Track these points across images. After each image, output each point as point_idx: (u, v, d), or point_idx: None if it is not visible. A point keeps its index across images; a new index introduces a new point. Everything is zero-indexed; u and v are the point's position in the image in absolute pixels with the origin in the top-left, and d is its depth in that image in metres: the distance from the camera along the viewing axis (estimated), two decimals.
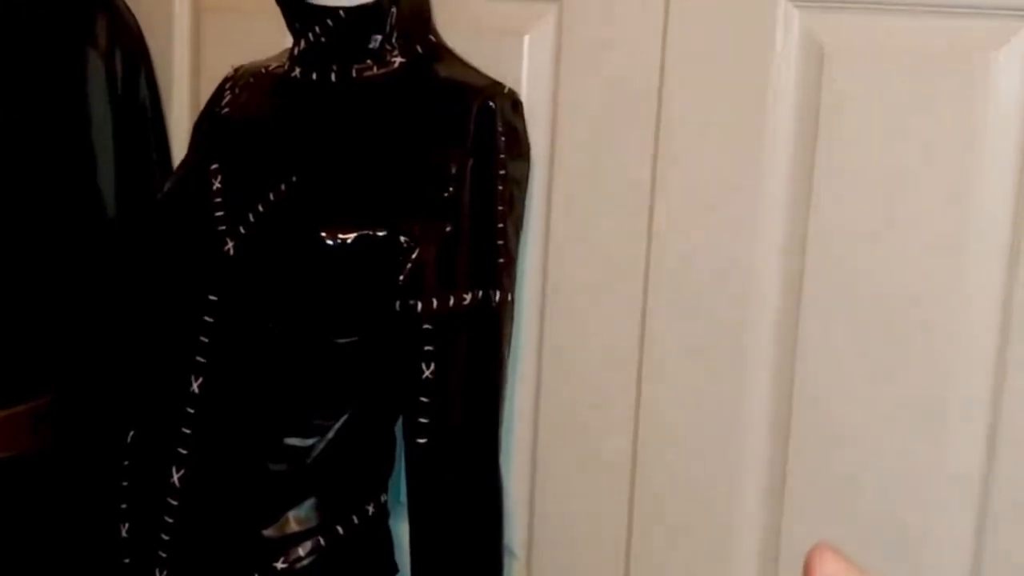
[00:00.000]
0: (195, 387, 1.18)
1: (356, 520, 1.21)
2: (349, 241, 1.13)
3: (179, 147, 1.55)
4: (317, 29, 1.20)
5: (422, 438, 1.15)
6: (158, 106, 1.49)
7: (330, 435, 1.18)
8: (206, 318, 1.18)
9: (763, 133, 1.09)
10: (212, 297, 1.17)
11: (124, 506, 1.25)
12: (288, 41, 1.36)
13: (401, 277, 1.13)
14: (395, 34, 1.20)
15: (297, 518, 1.19)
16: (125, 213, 1.43)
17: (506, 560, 1.23)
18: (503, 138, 1.18)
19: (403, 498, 1.27)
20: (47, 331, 1.36)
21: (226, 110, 1.29)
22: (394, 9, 1.19)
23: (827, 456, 1.09)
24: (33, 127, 1.30)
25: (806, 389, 1.10)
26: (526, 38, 1.25)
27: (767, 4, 1.07)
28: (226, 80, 1.34)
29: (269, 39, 1.41)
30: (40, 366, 1.36)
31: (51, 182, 1.34)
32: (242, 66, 1.35)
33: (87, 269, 1.39)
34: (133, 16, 1.46)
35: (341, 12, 1.18)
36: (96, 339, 1.38)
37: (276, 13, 1.30)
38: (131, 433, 1.26)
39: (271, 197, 1.17)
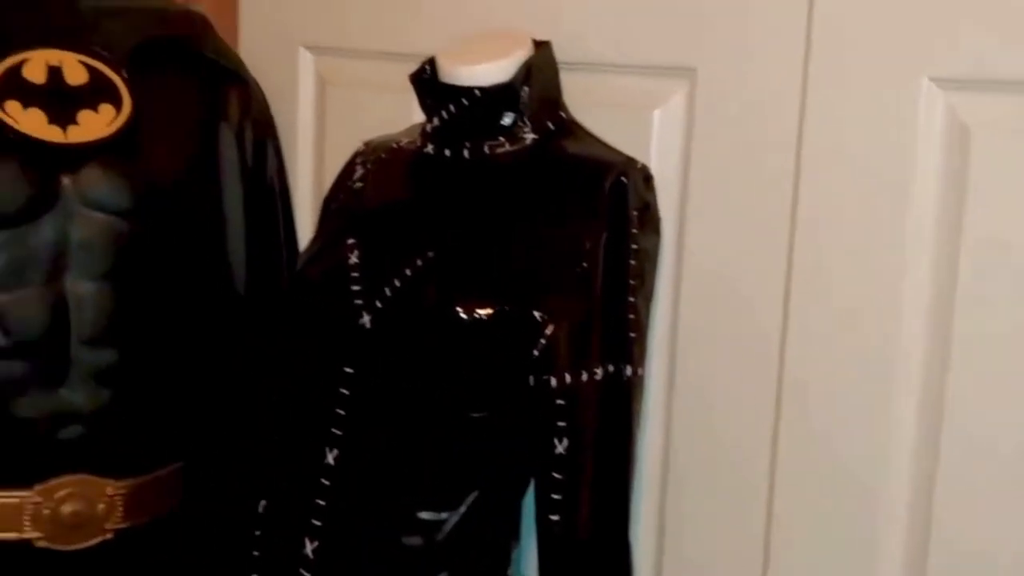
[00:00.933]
0: (330, 459, 1.19)
1: None
2: (484, 316, 1.14)
3: (302, 219, 1.58)
4: (451, 107, 1.22)
5: (555, 514, 1.15)
6: (284, 179, 1.52)
7: (462, 509, 1.18)
8: (342, 390, 1.19)
9: (906, 211, 1.09)
10: (348, 370, 1.19)
11: None
12: (413, 116, 1.39)
13: (535, 352, 1.13)
14: (527, 111, 1.22)
15: None
16: (254, 284, 1.46)
17: None
18: (635, 213, 1.19)
19: (524, 570, 1.27)
20: (180, 399, 1.38)
21: (359, 185, 1.32)
22: (526, 88, 1.21)
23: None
24: (172, 199, 1.33)
25: (951, 473, 1.08)
26: (656, 112, 1.26)
27: (909, 83, 1.07)
28: (357, 155, 1.37)
29: (393, 114, 1.44)
30: (172, 434, 1.38)
31: (186, 253, 1.37)
32: (372, 141, 1.37)
33: (218, 339, 1.42)
34: (261, 91, 1.50)
35: (476, 91, 1.20)
36: (228, 408, 1.40)
37: (399, 88, 1.33)
38: (263, 503, 1.28)
39: (407, 272, 1.18)
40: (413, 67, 1.29)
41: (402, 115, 1.44)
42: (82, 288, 1.27)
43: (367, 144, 1.37)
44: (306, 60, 1.59)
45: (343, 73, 1.55)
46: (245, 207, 1.44)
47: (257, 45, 1.60)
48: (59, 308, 1.27)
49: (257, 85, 1.49)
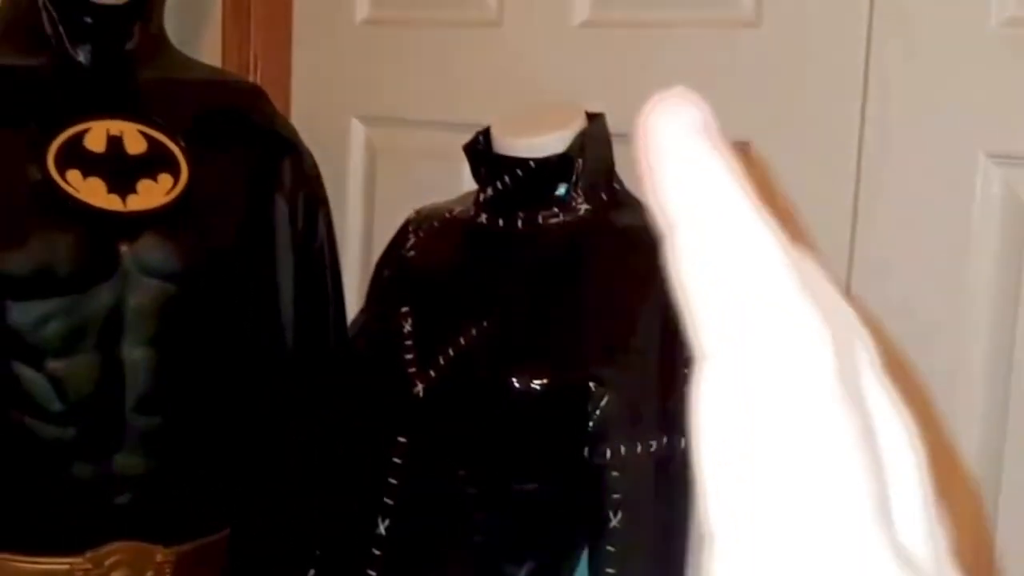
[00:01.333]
0: (381, 528, 1.19)
1: None
2: (539, 387, 1.14)
3: (350, 285, 1.59)
4: (506, 178, 1.23)
5: None
6: (334, 246, 1.53)
7: None
8: (394, 459, 1.19)
9: (964, 285, 1.08)
10: (401, 439, 1.19)
11: None
12: (462, 184, 1.41)
13: (590, 423, 1.13)
14: (581, 182, 1.23)
15: None
16: (302, 350, 1.46)
17: None
18: None
19: None
20: (229, 465, 1.38)
21: (412, 253, 1.33)
22: (581, 159, 1.22)
23: None
24: (225, 266, 1.34)
25: None
26: None
27: (966, 160, 1.07)
28: (408, 222, 1.38)
29: (442, 181, 1.46)
30: (221, 501, 1.38)
31: (237, 319, 1.38)
32: (423, 209, 1.38)
33: (266, 404, 1.42)
34: (313, 160, 1.52)
35: (531, 163, 1.21)
36: (278, 475, 1.40)
37: (449, 156, 1.35)
38: (311, 571, 1.27)
39: (462, 341, 1.19)
40: (463, 136, 1.30)
41: (451, 183, 1.45)
42: (136, 354, 1.28)
43: (418, 212, 1.38)
44: (357, 129, 1.61)
45: (393, 141, 1.57)
46: (295, 274, 1.45)
47: (309, 114, 1.62)
48: (114, 374, 1.28)
49: (310, 154, 1.51)
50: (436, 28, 1.49)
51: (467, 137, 1.29)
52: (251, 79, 1.60)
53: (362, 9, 1.57)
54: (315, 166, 1.52)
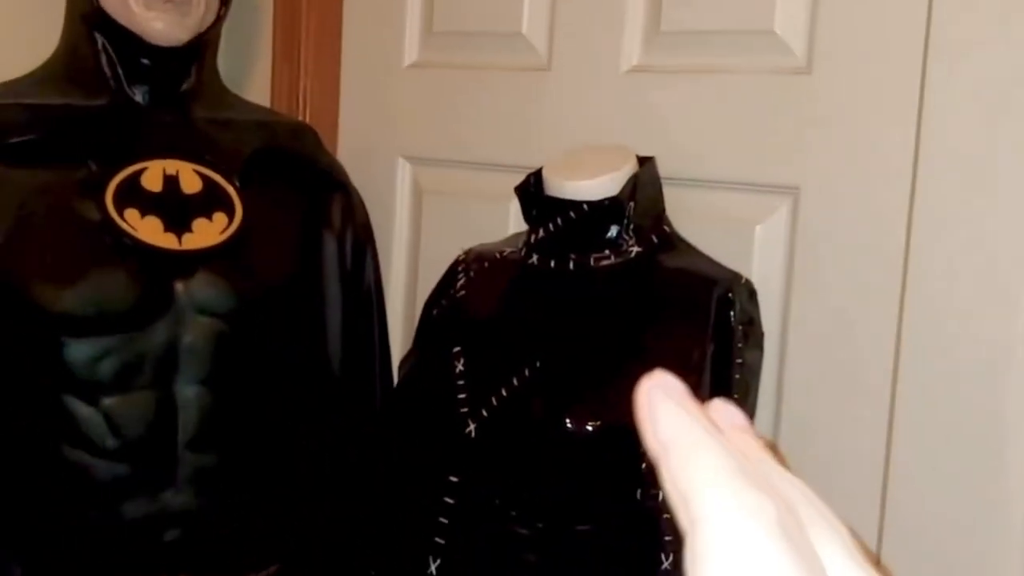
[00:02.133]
0: (432, 568, 1.20)
1: None
2: (592, 428, 1.14)
3: (394, 322, 1.61)
4: (558, 220, 1.24)
5: None
6: (380, 285, 1.55)
7: None
8: (446, 499, 1.20)
9: (1013, 326, 1.09)
10: (453, 478, 1.20)
11: None
12: (509, 224, 1.42)
13: (643, 465, 1.13)
14: (632, 225, 1.24)
15: None
16: (349, 386, 1.47)
17: None
18: (741, 328, 1.20)
19: None
20: (278, 500, 1.39)
21: (462, 293, 1.34)
22: (632, 202, 1.23)
23: None
24: (276, 303, 1.36)
25: None
26: (758, 228, 1.28)
27: (1014, 199, 1.08)
28: (458, 263, 1.39)
29: (488, 222, 1.47)
30: (270, 537, 1.39)
31: (286, 356, 1.39)
32: (472, 249, 1.40)
33: (313, 440, 1.43)
34: (361, 198, 1.53)
35: (584, 206, 1.23)
36: (328, 512, 1.41)
37: (496, 197, 1.36)
38: None
39: (514, 381, 1.20)
40: (509, 177, 1.32)
41: (497, 224, 1.47)
42: (189, 391, 1.30)
43: (468, 252, 1.39)
44: (404, 169, 1.63)
45: (440, 182, 1.59)
46: (343, 312, 1.47)
47: (356, 154, 1.64)
48: (167, 411, 1.29)
49: (358, 193, 1.53)
50: (484, 72, 1.50)
51: (514, 179, 1.30)
52: (302, 120, 1.62)
53: (410, 53, 1.59)
54: (363, 205, 1.54)
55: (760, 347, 1.25)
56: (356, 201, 1.52)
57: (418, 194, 1.62)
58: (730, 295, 1.20)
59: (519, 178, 1.29)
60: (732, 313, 1.19)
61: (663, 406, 0.30)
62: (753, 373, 1.23)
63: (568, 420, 1.14)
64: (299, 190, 1.44)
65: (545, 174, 1.28)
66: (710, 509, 0.28)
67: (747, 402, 1.21)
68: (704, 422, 0.30)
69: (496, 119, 1.50)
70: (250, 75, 1.71)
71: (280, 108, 1.66)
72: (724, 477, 0.29)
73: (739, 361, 1.19)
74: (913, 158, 1.15)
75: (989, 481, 1.11)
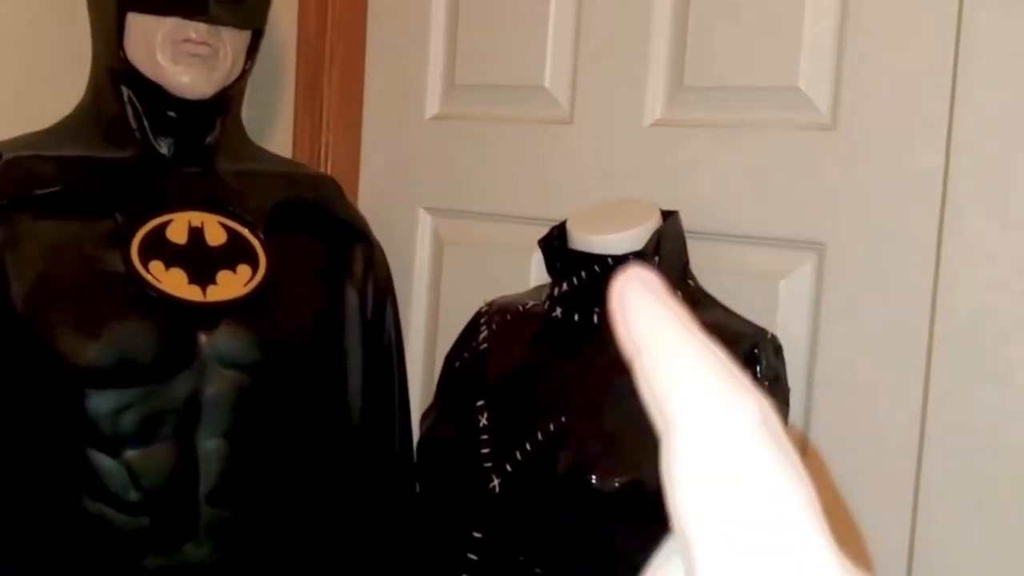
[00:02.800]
0: None
1: None
2: (618, 484, 1.14)
3: (413, 373, 1.60)
4: (583, 274, 1.24)
5: None
6: (400, 336, 1.55)
7: None
8: (470, 555, 1.19)
9: None
10: (476, 534, 1.19)
11: None
12: (531, 276, 1.42)
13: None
14: None
15: None
16: (368, 438, 1.47)
17: None
18: (767, 384, 1.19)
19: None
20: (295, 553, 1.38)
21: (485, 346, 1.34)
22: (657, 257, 1.24)
23: None
24: (298, 355, 1.35)
25: None
26: (782, 282, 1.28)
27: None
28: (480, 315, 1.39)
29: (510, 273, 1.47)
30: None
31: (306, 408, 1.39)
32: (495, 301, 1.40)
33: (333, 491, 1.42)
34: (382, 250, 1.53)
35: (609, 260, 1.23)
36: (341, 557, 1.40)
37: (516, 248, 1.36)
38: None
39: (538, 436, 1.19)
40: (530, 229, 1.32)
41: (518, 276, 1.47)
42: (211, 445, 1.29)
43: (490, 304, 1.39)
44: (424, 220, 1.63)
45: (461, 233, 1.59)
46: (364, 364, 1.46)
47: (376, 205, 1.64)
48: (188, 464, 1.28)
49: (379, 245, 1.53)
50: (506, 124, 1.51)
51: (536, 231, 1.30)
52: (321, 170, 1.63)
53: (432, 106, 1.60)
54: (384, 256, 1.54)
55: (786, 402, 1.25)
56: (377, 252, 1.52)
57: (439, 245, 1.62)
58: (756, 351, 1.19)
59: (541, 230, 1.29)
60: (758, 369, 1.19)
61: (638, 301, 0.29)
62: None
63: (594, 476, 1.14)
64: (321, 241, 1.44)
65: (569, 227, 1.28)
66: (688, 407, 0.27)
67: None
68: (683, 319, 0.29)
69: (518, 171, 1.51)
70: (272, 126, 1.72)
71: (302, 159, 1.66)
72: (702, 375, 0.27)
73: None
74: (939, 215, 1.15)
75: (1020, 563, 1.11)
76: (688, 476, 0.26)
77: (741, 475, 0.26)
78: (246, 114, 1.50)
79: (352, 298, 1.46)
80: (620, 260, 1.23)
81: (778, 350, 1.23)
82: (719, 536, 0.25)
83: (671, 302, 0.29)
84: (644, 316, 0.28)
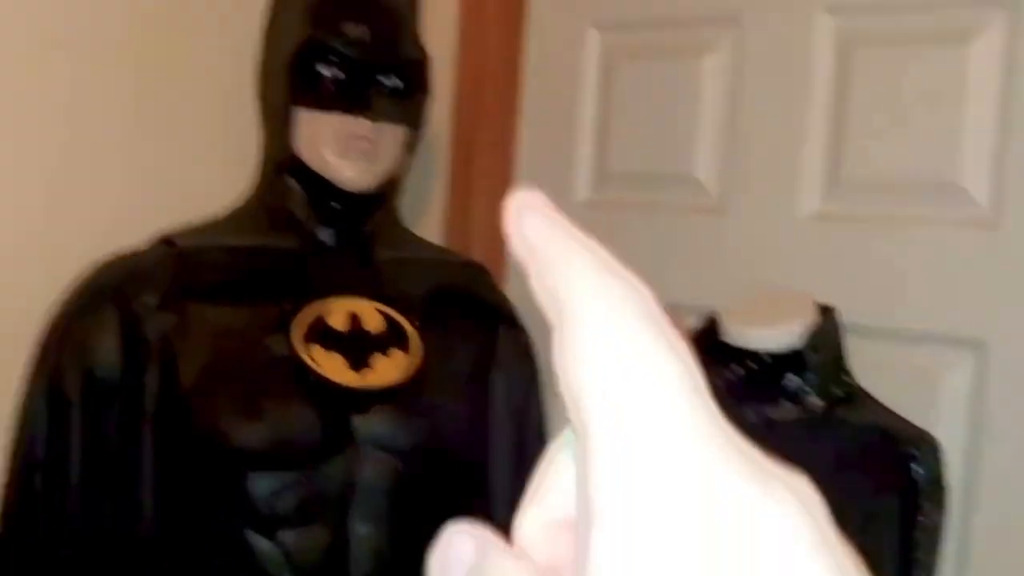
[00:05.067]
0: None
1: None
2: None
3: None
4: (736, 368, 1.24)
5: None
6: (544, 425, 1.55)
7: None
8: None
9: None
10: None
11: None
12: None
13: None
14: (813, 377, 1.23)
15: None
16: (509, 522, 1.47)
17: None
18: (925, 487, 1.17)
19: None
20: None
21: None
22: (815, 354, 1.22)
23: None
24: (449, 441, 1.37)
25: None
26: (941, 380, 1.26)
27: None
28: None
29: None
30: None
31: (455, 495, 1.40)
32: None
33: None
34: (528, 335, 1.55)
35: (767, 357, 1.22)
36: None
37: None
38: None
39: None
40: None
41: None
42: (363, 530, 1.31)
43: None
44: None
45: None
46: (510, 449, 1.47)
47: (526, 292, 1.65)
48: (340, 548, 1.30)
49: (526, 330, 1.55)
50: (657, 212, 1.52)
51: (686, 320, 1.30)
52: (471, 257, 1.66)
53: (583, 190, 1.62)
54: (532, 342, 1.56)
55: (944, 506, 1.21)
56: (525, 337, 1.54)
57: None
58: (915, 453, 1.17)
59: (691, 319, 1.30)
60: (918, 472, 1.16)
61: (531, 211, 0.30)
62: (937, 533, 1.19)
63: None
64: (472, 327, 1.46)
65: (723, 320, 1.28)
66: (578, 298, 0.28)
67: (932, 563, 1.17)
68: (569, 227, 0.30)
69: (669, 259, 1.51)
70: (425, 212, 1.76)
71: (452, 246, 1.70)
72: (593, 268, 0.29)
73: (923, 520, 1.16)
74: None
75: None
76: (583, 357, 0.27)
77: (629, 353, 0.27)
78: (401, 201, 1.54)
79: (500, 383, 1.48)
80: (778, 358, 1.22)
81: (937, 452, 1.20)
82: (611, 407, 0.26)
83: (559, 215, 0.30)
84: (535, 224, 0.30)
